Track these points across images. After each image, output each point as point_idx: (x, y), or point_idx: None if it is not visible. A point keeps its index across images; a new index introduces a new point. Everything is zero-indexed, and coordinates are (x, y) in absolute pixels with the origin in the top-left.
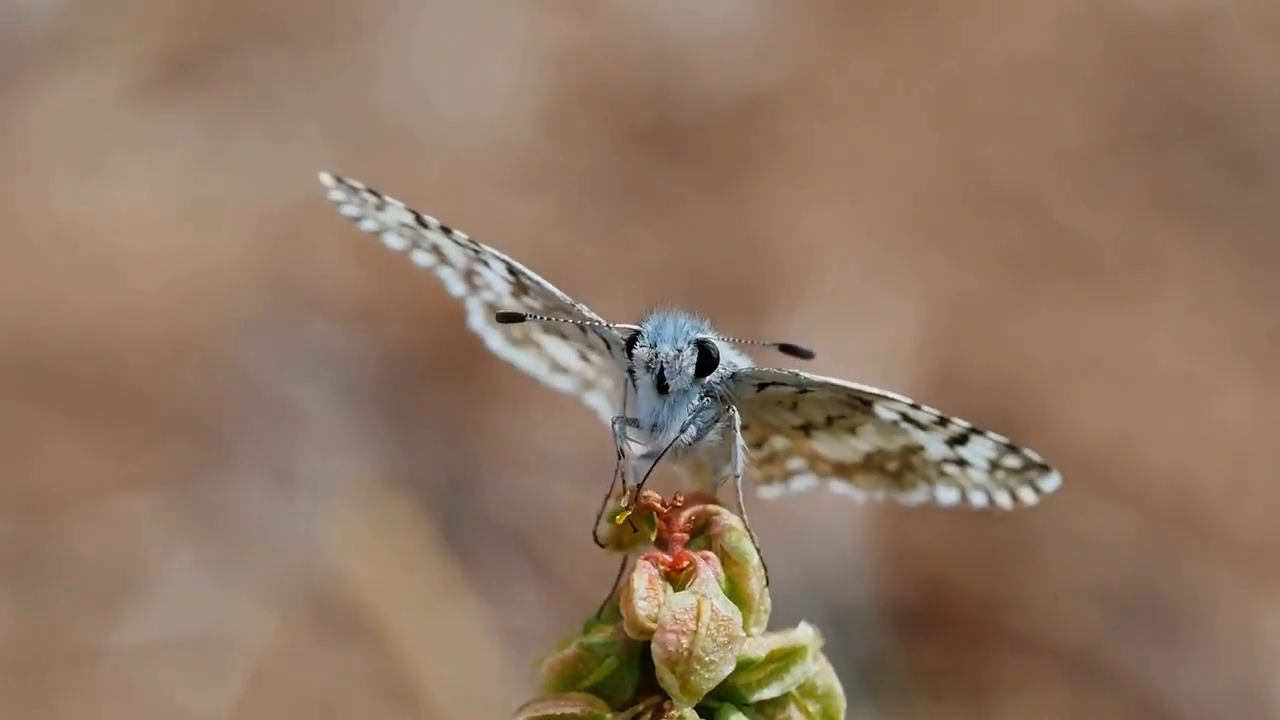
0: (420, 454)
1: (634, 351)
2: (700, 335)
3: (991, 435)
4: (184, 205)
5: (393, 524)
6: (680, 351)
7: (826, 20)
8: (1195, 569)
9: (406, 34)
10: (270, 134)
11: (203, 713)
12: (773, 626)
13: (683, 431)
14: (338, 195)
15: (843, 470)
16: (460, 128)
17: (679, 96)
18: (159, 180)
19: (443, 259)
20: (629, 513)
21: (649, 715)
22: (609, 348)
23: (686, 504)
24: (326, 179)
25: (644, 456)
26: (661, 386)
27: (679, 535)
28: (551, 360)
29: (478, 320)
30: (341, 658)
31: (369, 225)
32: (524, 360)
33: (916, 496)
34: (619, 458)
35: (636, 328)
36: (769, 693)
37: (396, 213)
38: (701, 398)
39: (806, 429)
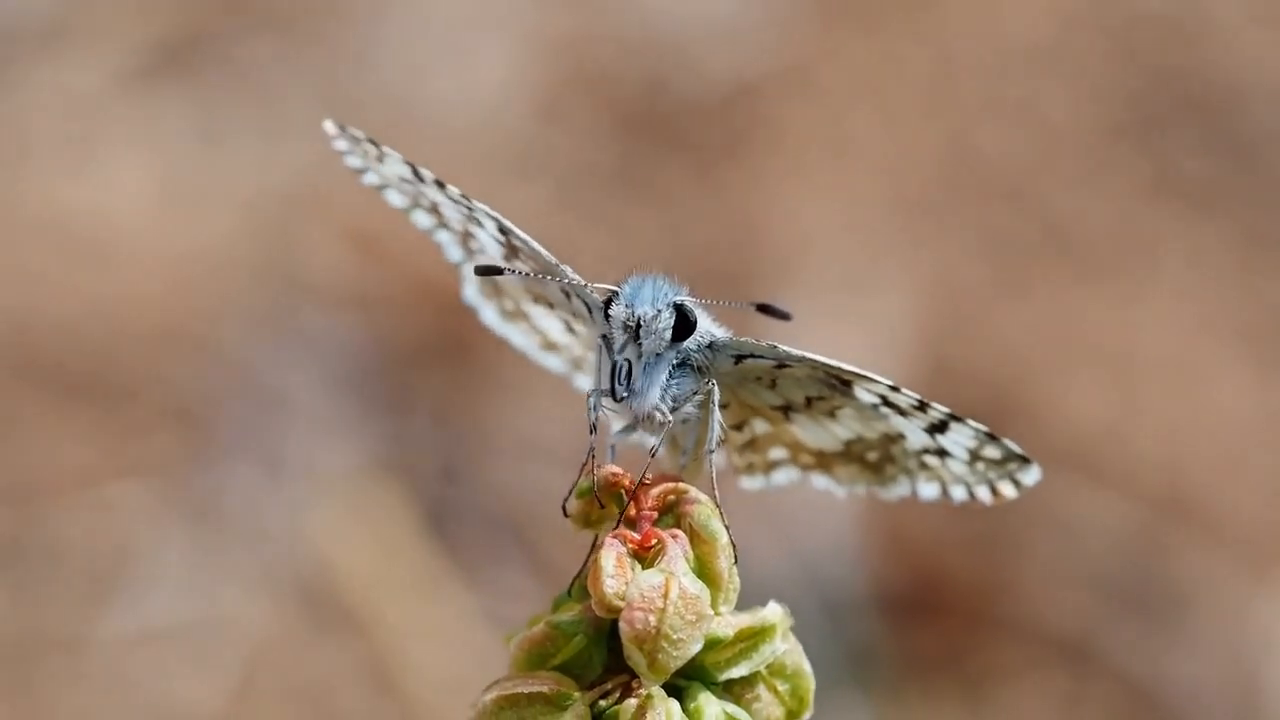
0: (409, 442)
1: (611, 311)
2: (679, 298)
3: (971, 423)
4: (176, 193)
5: (382, 511)
6: (659, 312)
7: (820, 8)
8: (1187, 555)
9: (400, 21)
10: (263, 122)
11: (192, 699)
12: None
13: (660, 400)
14: (341, 144)
15: (823, 461)
16: (455, 114)
17: (673, 83)
18: (151, 168)
19: (441, 220)
20: (596, 489)
21: (617, 693)
22: (590, 313)
23: (655, 483)
24: (330, 127)
25: (621, 431)
26: (638, 348)
27: (647, 513)
28: (542, 336)
29: (472, 292)
30: (330, 644)
31: (372, 179)
32: (516, 336)
33: (897, 490)
34: (592, 432)
35: (616, 288)
36: (737, 671)
37: (395, 165)
38: (678, 365)
39: (786, 410)
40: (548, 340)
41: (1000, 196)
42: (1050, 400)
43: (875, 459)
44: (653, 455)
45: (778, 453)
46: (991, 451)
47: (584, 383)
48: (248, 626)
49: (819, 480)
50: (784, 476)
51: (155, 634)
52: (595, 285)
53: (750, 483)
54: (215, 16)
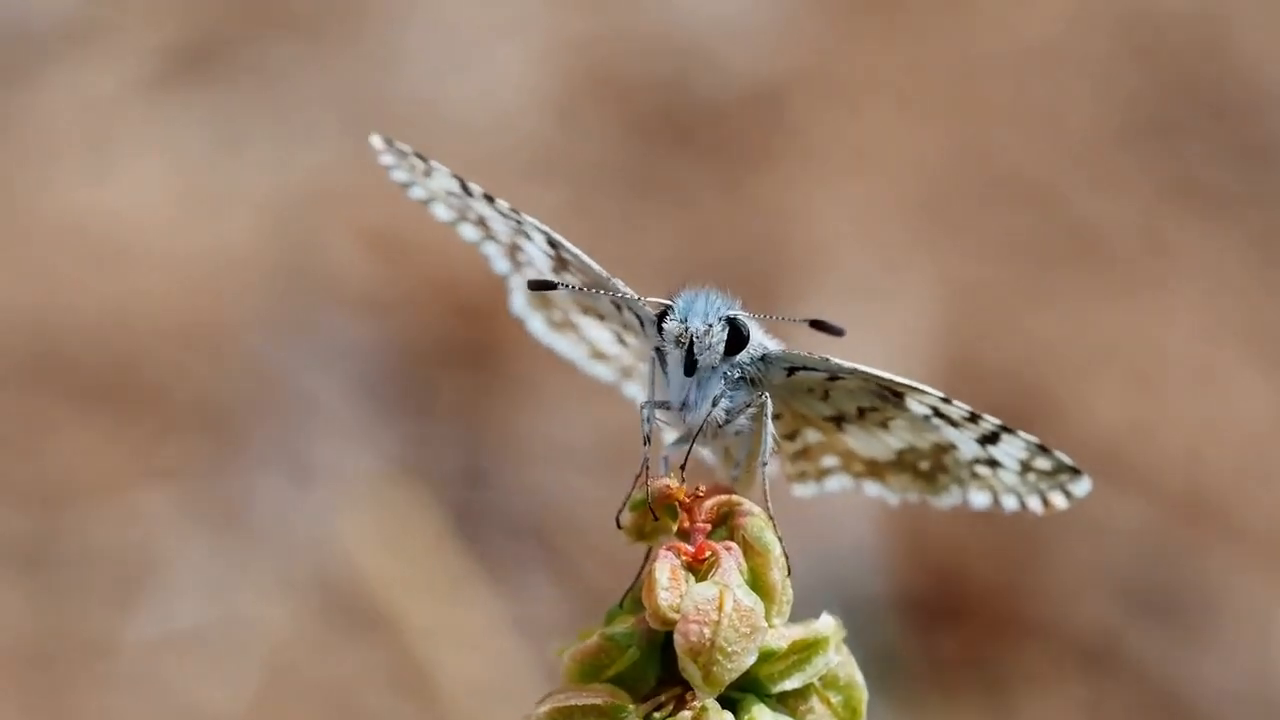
0: (434, 445)
1: (664, 326)
2: (732, 313)
3: (1023, 435)
4: (197, 197)
5: (407, 515)
6: (710, 327)
7: (839, 9)
8: (1211, 559)
9: (419, 24)
10: (283, 125)
11: (217, 704)
12: (789, 617)
13: (713, 411)
14: (388, 159)
15: (876, 469)
16: (473, 118)
17: (693, 86)
18: (172, 172)
19: (488, 233)
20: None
21: (671, 706)
22: (643, 326)
23: (708, 495)
24: (377, 141)
25: (675, 443)
26: (691, 363)
27: (701, 526)
28: (591, 346)
29: (519, 303)
30: (356, 649)
31: (418, 193)
32: (563, 345)
33: (949, 499)
34: (645, 444)
35: (668, 302)
36: (791, 684)
37: (443, 179)
38: (731, 378)
39: (838, 421)
40: (596, 350)
41: (1020, 199)
42: (1072, 404)
43: (927, 468)
44: (684, 462)
45: (830, 461)
46: (1042, 463)
47: (634, 391)
48: (272, 630)
49: (871, 488)
50: (836, 484)
51: (181, 638)
52: (648, 299)
53: (803, 490)
54: (235, 20)
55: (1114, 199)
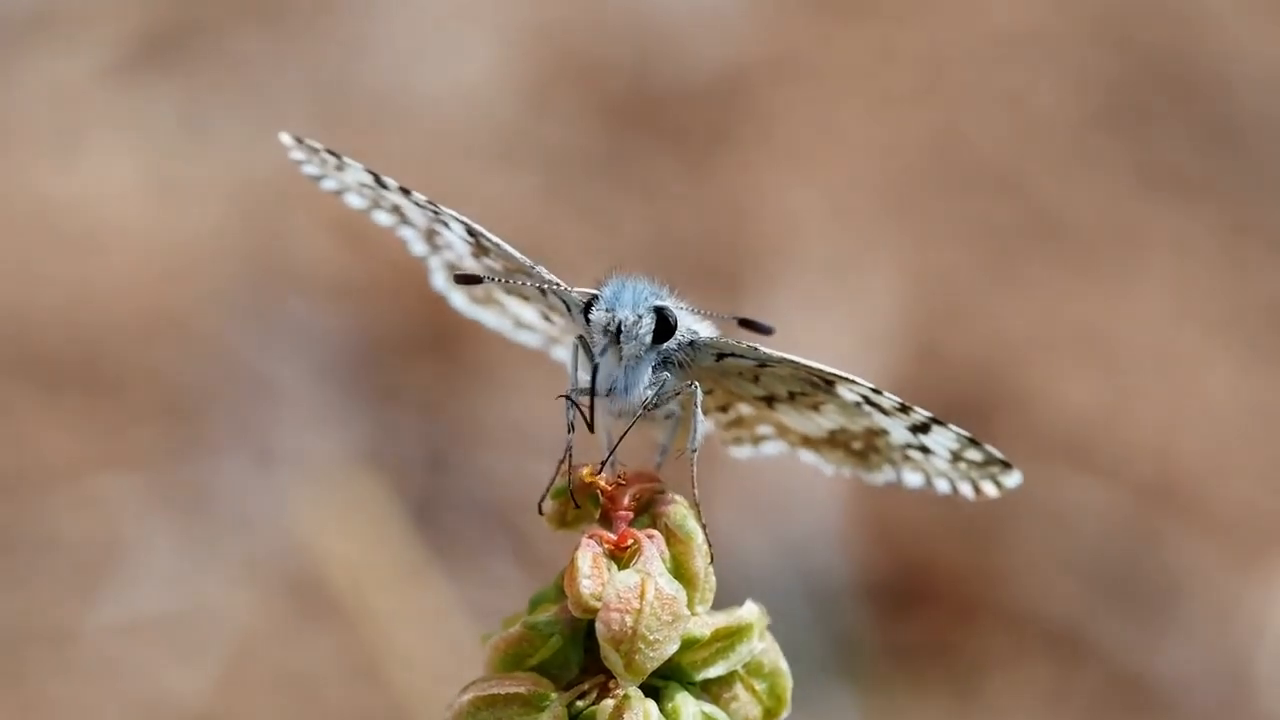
0: (397, 432)
1: (591, 316)
2: (659, 302)
3: (953, 428)
4: (163, 183)
5: (369, 502)
6: (640, 318)
7: None
8: (1176, 545)
9: (386, 10)
10: (249, 111)
11: (180, 690)
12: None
13: (640, 397)
14: (298, 155)
15: (810, 442)
16: (441, 103)
17: (660, 71)
18: (137, 159)
19: (403, 219)
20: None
21: (594, 694)
22: (569, 310)
23: (631, 482)
24: (286, 139)
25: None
26: (618, 352)
27: (623, 513)
28: (515, 317)
29: (440, 280)
30: (318, 635)
31: (330, 184)
32: (488, 318)
33: (881, 477)
34: (569, 431)
35: (595, 291)
36: (715, 671)
37: (356, 173)
38: (659, 365)
39: (769, 401)
40: (521, 321)
41: (988, 184)
42: (1038, 388)
43: (860, 448)
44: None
45: (764, 429)
46: (973, 454)
47: (562, 355)
48: (235, 617)
49: (806, 455)
50: (772, 448)
51: (143, 624)
52: (575, 289)
53: (739, 452)
54: (202, 6)
55: (1081, 183)
